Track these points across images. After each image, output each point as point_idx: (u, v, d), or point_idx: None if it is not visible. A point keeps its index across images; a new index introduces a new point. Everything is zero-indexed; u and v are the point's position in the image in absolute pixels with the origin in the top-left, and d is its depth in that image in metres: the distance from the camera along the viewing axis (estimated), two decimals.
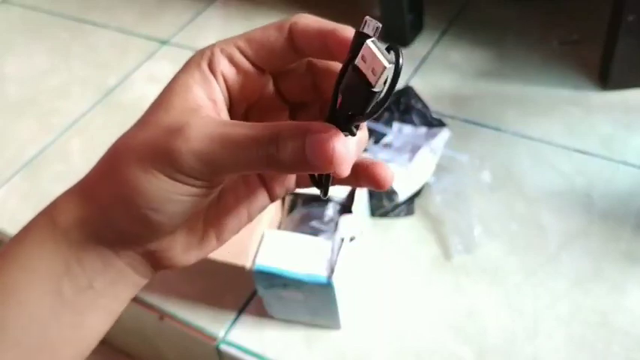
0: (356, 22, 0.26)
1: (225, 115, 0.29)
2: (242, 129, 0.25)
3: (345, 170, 0.24)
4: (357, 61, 0.22)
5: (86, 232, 0.27)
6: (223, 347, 0.64)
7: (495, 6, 1.02)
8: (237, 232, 0.31)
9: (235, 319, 0.66)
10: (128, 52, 1.07)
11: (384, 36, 1.14)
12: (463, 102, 0.86)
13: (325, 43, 0.26)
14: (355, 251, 0.62)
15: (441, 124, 0.78)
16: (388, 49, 0.22)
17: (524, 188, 0.74)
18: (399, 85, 0.82)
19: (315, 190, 0.29)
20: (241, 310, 0.66)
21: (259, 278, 0.59)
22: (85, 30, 1.14)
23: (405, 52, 0.95)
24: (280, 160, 0.24)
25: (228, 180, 0.29)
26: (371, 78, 0.22)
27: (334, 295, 0.58)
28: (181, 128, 0.25)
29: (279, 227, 0.65)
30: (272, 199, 0.31)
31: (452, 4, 1.04)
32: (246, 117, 0.30)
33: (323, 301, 0.59)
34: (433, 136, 0.76)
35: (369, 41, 0.22)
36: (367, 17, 0.24)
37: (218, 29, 1.08)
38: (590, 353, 0.59)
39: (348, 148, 0.24)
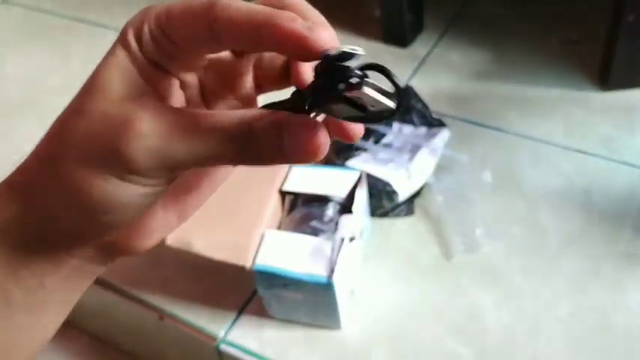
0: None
1: (173, 93, 0.26)
2: (205, 119, 0.22)
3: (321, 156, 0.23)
4: (347, 92, 0.21)
5: (29, 233, 0.24)
6: (223, 347, 0.64)
7: (495, 6, 1.02)
8: (200, 206, 0.29)
9: (235, 319, 0.66)
10: None
11: (384, 36, 1.12)
12: (463, 102, 0.86)
13: (259, 36, 0.22)
14: (355, 251, 0.62)
15: (441, 124, 0.78)
16: (385, 75, 0.21)
17: (525, 188, 0.74)
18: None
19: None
20: (241, 310, 0.66)
21: (259, 278, 0.59)
22: (85, 30, 1.14)
23: (404, 52, 0.96)
24: (253, 156, 0.22)
25: None
26: (368, 106, 0.22)
27: (334, 295, 0.58)
28: (129, 122, 0.22)
29: (279, 227, 0.65)
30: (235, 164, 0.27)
31: (452, 4, 1.04)
32: (201, 83, 0.28)
33: (323, 301, 0.59)
34: (433, 136, 0.76)
35: (366, 88, 0.21)
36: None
37: None
38: (589, 353, 0.59)
39: (327, 138, 0.22)
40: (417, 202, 0.73)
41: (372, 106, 0.22)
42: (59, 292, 0.26)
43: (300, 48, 0.21)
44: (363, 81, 0.21)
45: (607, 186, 0.73)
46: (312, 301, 0.60)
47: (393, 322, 0.64)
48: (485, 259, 0.67)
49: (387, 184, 0.70)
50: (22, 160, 0.26)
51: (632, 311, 0.61)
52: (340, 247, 0.58)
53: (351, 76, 0.21)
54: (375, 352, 0.62)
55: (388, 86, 0.22)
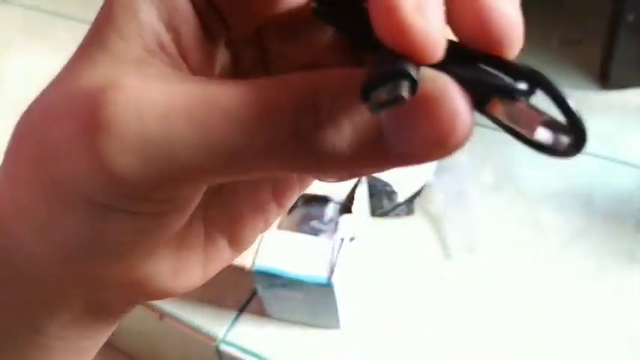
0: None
1: (204, 58, 0.16)
2: (233, 89, 0.13)
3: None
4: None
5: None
6: (223, 347, 0.64)
7: None
8: (265, 229, 0.20)
9: (235, 319, 0.66)
10: None
11: None
12: None
13: None
14: (355, 251, 0.62)
15: None
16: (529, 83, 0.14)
17: (524, 188, 0.74)
18: None
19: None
20: (241, 310, 0.66)
21: (259, 278, 0.59)
22: (85, 30, 1.13)
23: None
24: (330, 153, 0.13)
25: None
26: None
27: (334, 295, 0.58)
28: (102, 106, 0.13)
29: (279, 227, 0.65)
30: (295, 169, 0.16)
31: None
32: (261, 52, 0.18)
33: (323, 301, 0.59)
34: None
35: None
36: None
37: None
38: (590, 353, 0.59)
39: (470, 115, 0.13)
40: (417, 202, 0.73)
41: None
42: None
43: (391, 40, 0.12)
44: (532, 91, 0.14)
45: (607, 186, 0.73)
46: (311, 301, 0.60)
47: (393, 322, 0.64)
48: (485, 259, 0.67)
49: (387, 184, 0.70)
50: None
51: (634, 310, 0.61)
52: (340, 247, 0.58)
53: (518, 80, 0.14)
54: (375, 352, 0.62)
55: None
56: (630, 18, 0.77)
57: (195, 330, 0.66)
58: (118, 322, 0.20)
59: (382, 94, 0.12)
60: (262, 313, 0.65)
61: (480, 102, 0.14)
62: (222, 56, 0.18)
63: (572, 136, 0.15)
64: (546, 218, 0.70)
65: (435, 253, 0.69)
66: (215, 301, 0.67)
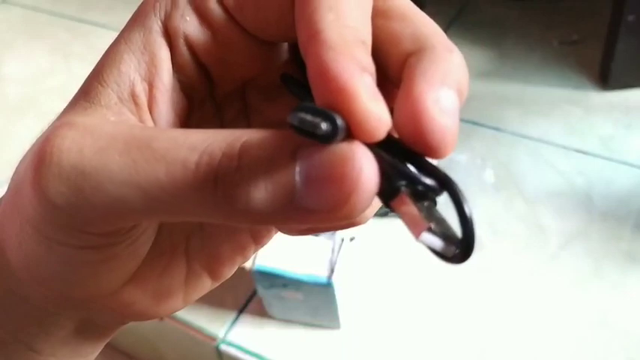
0: None
1: (171, 110, 0.17)
2: (170, 133, 0.14)
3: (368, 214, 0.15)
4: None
5: None
6: (223, 347, 0.64)
7: (495, 6, 1.02)
8: (242, 262, 0.21)
9: (235, 319, 0.66)
10: None
11: None
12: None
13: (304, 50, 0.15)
14: (355, 251, 0.62)
15: None
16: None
17: (525, 188, 0.74)
18: None
19: None
20: (241, 310, 0.66)
21: (259, 278, 0.59)
22: (85, 30, 1.14)
23: None
24: (242, 204, 0.14)
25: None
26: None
27: (334, 295, 0.58)
28: (50, 139, 0.15)
29: None
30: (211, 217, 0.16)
31: (452, 4, 1.03)
32: (243, 104, 0.20)
33: (323, 301, 0.59)
34: None
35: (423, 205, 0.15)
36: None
37: None
38: (590, 353, 0.59)
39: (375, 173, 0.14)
40: None
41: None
42: None
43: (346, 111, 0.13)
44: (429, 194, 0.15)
45: (607, 186, 0.73)
46: (312, 301, 0.60)
47: (393, 322, 0.64)
48: (485, 258, 0.67)
49: None
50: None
51: (633, 311, 0.61)
52: (340, 247, 0.58)
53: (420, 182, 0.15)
54: (375, 352, 0.62)
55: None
56: (630, 18, 0.77)
57: (195, 330, 0.66)
58: (108, 340, 0.21)
59: (307, 116, 0.13)
60: (262, 313, 0.65)
61: (391, 193, 0.15)
62: (207, 105, 0.19)
63: (460, 245, 0.15)
64: (546, 218, 0.70)
65: None
66: (215, 301, 0.67)
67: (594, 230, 0.69)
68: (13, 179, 0.17)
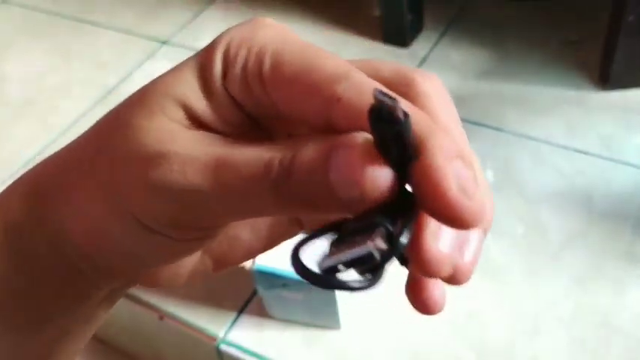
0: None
1: (231, 128, 0.20)
2: (248, 150, 0.17)
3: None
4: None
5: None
6: (223, 347, 0.64)
7: (495, 6, 1.02)
8: (242, 261, 0.25)
9: (235, 319, 0.66)
10: (128, 52, 1.07)
11: (384, 36, 1.12)
12: (463, 102, 0.86)
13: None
14: None
15: None
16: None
17: (525, 188, 0.74)
18: None
19: None
20: (241, 310, 0.66)
21: (259, 278, 0.59)
22: (85, 30, 1.14)
23: (404, 52, 0.96)
24: (293, 199, 0.17)
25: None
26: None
27: (334, 295, 0.58)
28: (161, 154, 0.18)
29: None
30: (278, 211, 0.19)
31: (452, 4, 1.03)
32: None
33: (323, 301, 0.59)
34: None
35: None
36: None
37: (218, 29, 1.07)
38: (590, 353, 0.59)
39: (382, 172, 0.16)
40: None
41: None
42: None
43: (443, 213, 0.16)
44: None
45: (607, 186, 0.73)
46: (312, 301, 0.60)
47: (393, 322, 0.64)
48: (485, 258, 0.67)
49: None
50: (22, 160, 0.24)
51: (633, 311, 0.61)
52: None
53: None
54: (375, 352, 0.62)
55: None
56: (630, 18, 0.77)
57: (196, 330, 0.66)
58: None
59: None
60: (262, 313, 0.65)
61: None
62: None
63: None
64: (547, 218, 0.70)
65: None
66: (215, 301, 0.67)
67: (594, 230, 0.69)
68: (89, 140, 0.20)
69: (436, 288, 0.20)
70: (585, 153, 0.77)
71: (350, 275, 0.16)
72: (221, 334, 0.65)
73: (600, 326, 0.61)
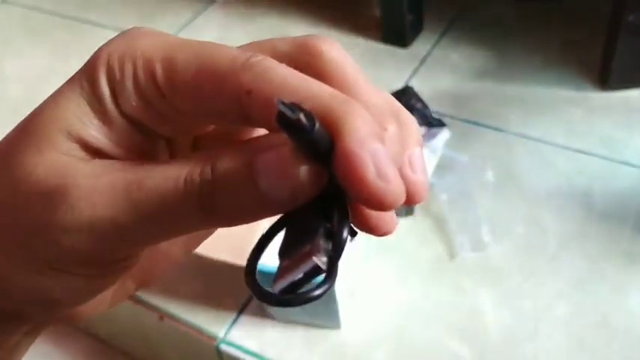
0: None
1: (154, 151, 0.20)
2: (161, 169, 0.17)
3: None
4: None
5: None
6: (223, 347, 0.64)
7: (495, 6, 1.02)
8: (168, 269, 0.24)
9: (235, 319, 0.66)
10: None
11: (384, 36, 1.12)
12: (463, 102, 0.86)
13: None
14: (355, 251, 0.62)
15: (440, 124, 0.78)
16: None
17: (525, 188, 0.74)
18: (399, 85, 0.82)
19: None
20: (241, 310, 0.66)
21: (259, 278, 0.59)
22: (85, 30, 1.14)
23: (404, 52, 0.96)
24: (221, 212, 0.17)
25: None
26: None
27: (334, 295, 0.58)
28: (62, 190, 0.17)
29: None
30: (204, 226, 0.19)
31: (452, 4, 1.03)
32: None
33: (323, 301, 0.59)
34: (433, 136, 0.76)
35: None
36: None
37: (218, 29, 1.08)
38: (590, 353, 0.59)
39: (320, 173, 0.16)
40: None
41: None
42: None
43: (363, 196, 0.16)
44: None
45: (607, 186, 0.73)
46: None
47: (393, 322, 0.64)
48: (485, 258, 0.67)
49: None
50: None
51: (633, 311, 0.61)
52: None
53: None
54: (375, 352, 0.62)
55: None
56: (630, 18, 0.77)
57: (196, 330, 0.66)
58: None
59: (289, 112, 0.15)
60: (262, 313, 0.65)
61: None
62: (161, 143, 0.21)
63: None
64: (547, 218, 0.70)
65: (435, 253, 0.69)
66: (215, 301, 0.67)
67: (594, 230, 0.69)
68: None
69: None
70: (585, 153, 0.77)
71: (308, 285, 0.17)
72: (221, 334, 0.65)
73: (600, 326, 0.61)
